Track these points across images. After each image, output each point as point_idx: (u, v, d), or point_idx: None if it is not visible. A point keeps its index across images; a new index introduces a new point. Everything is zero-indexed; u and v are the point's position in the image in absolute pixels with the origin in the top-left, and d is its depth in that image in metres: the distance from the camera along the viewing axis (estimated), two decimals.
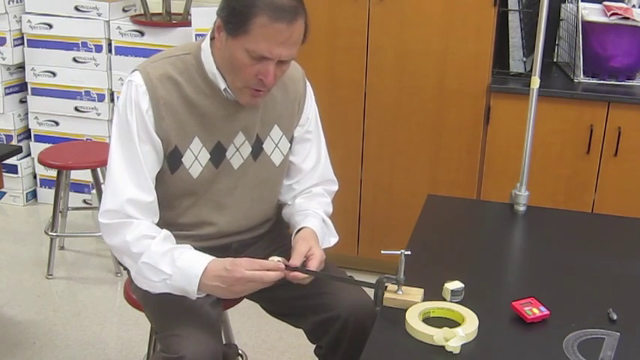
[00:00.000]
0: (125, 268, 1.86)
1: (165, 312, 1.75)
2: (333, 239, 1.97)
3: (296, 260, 1.69)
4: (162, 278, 1.68)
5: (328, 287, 1.84)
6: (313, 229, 1.84)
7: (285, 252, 1.80)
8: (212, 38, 1.74)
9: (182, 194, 1.81)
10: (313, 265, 1.70)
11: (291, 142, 1.91)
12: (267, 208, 1.95)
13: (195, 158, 1.78)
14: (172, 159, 1.76)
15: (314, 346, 1.95)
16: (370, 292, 1.79)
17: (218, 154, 1.80)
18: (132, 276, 1.76)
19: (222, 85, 1.74)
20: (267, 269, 1.64)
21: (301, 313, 1.88)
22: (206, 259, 1.68)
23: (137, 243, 1.69)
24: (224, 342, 2.12)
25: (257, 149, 1.85)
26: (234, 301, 2.02)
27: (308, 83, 1.95)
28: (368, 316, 1.78)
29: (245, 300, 2.03)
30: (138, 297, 1.88)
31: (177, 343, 1.64)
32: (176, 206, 1.83)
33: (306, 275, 1.69)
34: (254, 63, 1.64)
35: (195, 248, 1.75)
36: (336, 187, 2.08)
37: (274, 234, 2.00)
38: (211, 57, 1.73)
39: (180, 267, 1.66)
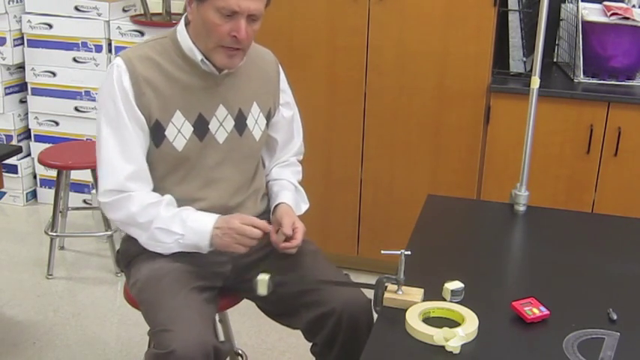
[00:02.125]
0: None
1: (158, 308, 1.76)
2: (304, 206, 2.09)
3: (287, 230, 1.87)
4: (175, 239, 1.82)
5: (320, 284, 1.86)
6: (289, 203, 1.98)
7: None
8: (186, 24, 1.86)
9: (170, 169, 1.88)
10: (299, 236, 1.87)
11: (267, 118, 2.00)
12: (252, 184, 2.01)
13: (179, 131, 1.85)
14: (155, 133, 1.84)
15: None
16: (368, 290, 1.80)
17: (201, 127, 1.88)
18: (142, 242, 1.87)
19: (199, 57, 1.84)
20: (255, 225, 1.79)
21: (296, 311, 1.89)
22: (214, 216, 1.83)
23: (143, 212, 1.81)
24: (220, 340, 2.13)
25: (241, 125, 1.93)
26: (231, 302, 2.03)
27: (280, 67, 2.07)
28: (362, 311, 1.81)
29: (245, 300, 2.04)
30: (133, 294, 1.89)
31: (167, 337, 1.65)
32: (167, 183, 1.89)
33: (293, 245, 1.86)
34: (226, 21, 1.75)
35: None
36: (302, 151, 2.21)
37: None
38: (186, 34, 1.85)
39: (191, 226, 1.81)
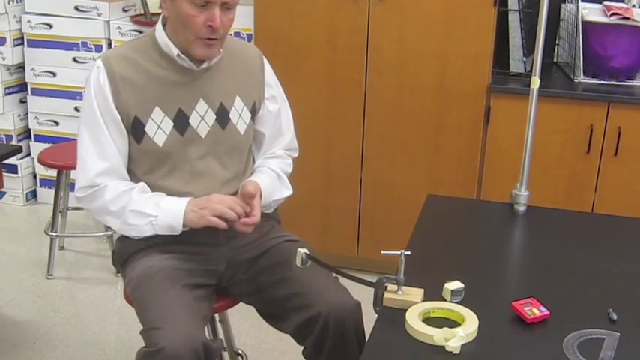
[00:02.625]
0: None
1: (149, 306, 1.77)
2: (286, 192, 2.09)
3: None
4: (148, 221, 1.85)
5: (308, 287, 1.85)
6: (255, 180, 1.96)
7: (277, 248, 1.93)
8: (164, 24, 1.89)
9: (154, 164, 1.90)
10: (256, 213, 1.86)
11: (251, 112, 2.00)
12: (238, 179, 2.00)
13: (159, 127, 1.88)
14: (135, 130, 1.87)
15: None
16: (363, 293, 1.80)
17: (181, 122, 1.89)
18: (117, 229, 1.91)
19: (175, 51, 1.86)
20: (229, 206, 1.83)
21: (285, 314, 1.89)
22: (187, 199, 1.87)
23: (117, 199, 1.86)
24: (219, 337, 2.13)
25: (223, 119, 1.94)
26: (230, 302, 2.03)
27: (265, 61, 2.07)
28: (349, 315, 1.81)
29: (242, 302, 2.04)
30: (128, 293, 1.90)
31: (156, 335, 1.66)
32: (152, 179, 1.91)
33: (251, 222, 1.86)
34: (200, 11, 1.78)
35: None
36: (296, 154, 2.20)
37: (267, 226, 2.02)
38: (163, 31, 1.89)
39: (164, 207, 1.85)
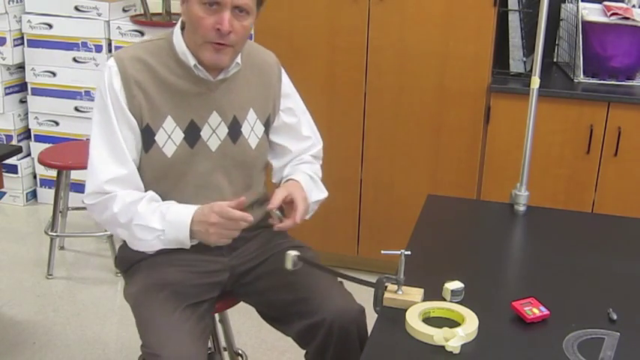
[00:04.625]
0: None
1: (150, 327, 1.74)
2: (322, 194, 2.01)
3: (272, 204, 1.79)
4: (155, 235, 1.76)
5: (312, 293, 1.83)
6: (298, 180, 1.90)
7: (281, 254, 1.80)
8: (183, 28, 1.82)
9: (160, 176, 1.83)
10: (297, 217, 1.78)
11: (265, 125, 1.94)
12: (247, 193, 1.92)
13: (169, 137, 1.81)
14: (145, 138, 1.80)
15: None
16: (363, 293, 1.79)
17: (192, 134, 1.83)
18: (128, 242, 1.83)
19: (193, 62, 1.79)
20: (232, 217, 1.70)
21: (289, 319, 1.87)
22: (192, 208, 1.76)
23: (125, 212, 1.76)
24: (214, 344, 2.12)
25: (235, 132, 1.88)
26: (230, 303, 2.02)
27: (283, 70, 2.00)
28: (353, 322, 1.79)
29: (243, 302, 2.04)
30: (129, 304, 1.86)
31: None
32: (157, 190, 1.83)
33: (286, 226, 1.79)
34: (210, 14, 1.71)
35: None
36: (321, 145, 2.11)
37: (270, 233, 2.00)
38: (181, 37, 1.80)
39: (170, 220, 1.75)
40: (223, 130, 1.86)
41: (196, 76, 1.81)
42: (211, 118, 1.84)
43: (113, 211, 1.76)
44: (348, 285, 1.81)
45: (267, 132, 1.95)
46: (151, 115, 1.78)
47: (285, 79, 1.99)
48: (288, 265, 1.67)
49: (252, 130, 1.91)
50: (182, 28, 1.82)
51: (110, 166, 1.78)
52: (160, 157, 1.81)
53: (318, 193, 1.98)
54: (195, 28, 1.74)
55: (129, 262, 1.92)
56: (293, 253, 1.67)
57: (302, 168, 2.00)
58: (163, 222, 1.75)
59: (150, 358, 1.68)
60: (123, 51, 1.83)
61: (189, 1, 1.73)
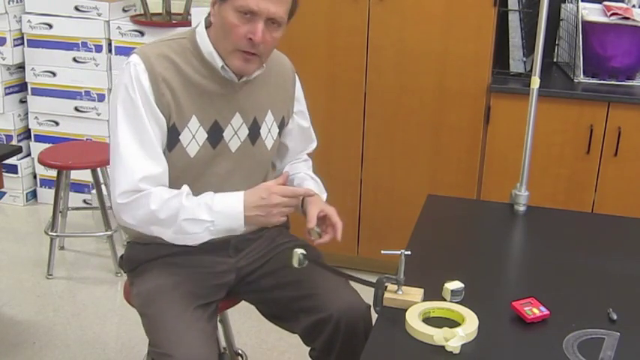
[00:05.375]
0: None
1: (160, 327, 1.73)
2: (324, 195, 2.03)
3: (311, 222, 1.80)
4: (205, 227, 1.74)
5: (320, 289, 1.84)
6: (317, 192, 1.92)
7: (286, 252, 1.84)
8: (207, 27, 1.80)
9: (180, 176, 1.81)
10: (338, 234, 1.81)
11: (279, 127, 1.96)
12: None
13: (193, 137, 1.80)
14: (170, 136, 1.78)
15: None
16: (363, 293, 1.80)
17: (215, 134, 1.82)
18: (168, 238, 1.78)
19: (220, 63, 1.78)
20: (297, 194, 1.77)
21: (294, 316, 1.88)
22: (240, 194, 1.75)
23: (165, 208, 1.73)
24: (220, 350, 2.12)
25: (255, 133, 1.89)
26: (231, 303, 2.02)
27: (296, 74, 2.03)
28: (360, 318, 1.80)
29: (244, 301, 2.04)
30: (136, 305, 1.87)
31: None
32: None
33: (325, 241, 1.82)
34: (244, 22, 1.69)
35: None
36: (314, 145, 2.16)
37: (274, 232, 2.01)
38: (207, 38, 1.79)
39: (220, 210, 1.73)
40: (244, 132, 1.86)
41: (221, 77, 1.80)
42: (234, 119, 1.84)
43: (150, 208, 1.72)
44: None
45: (280, 133, 1.97)
46: (177, 114, 1.77)
47: (298, 82, 2.02)
48: (295, 262, 1.67)
49: (269, 131, 1.92)
50: (207, 26, 1.80)
51: (144, 163, 1.73)
52: (183, 157, 1.80)
53: (322, 196, 2.01)
54: (226, 34, 1.72)
55: (136, 261, 1.91)
56: (299, 250, 1.67)
57: (303, 169, 2.05)
58: (212, 213, 1.73)
59: (160, 358, 1.67)
60: (146, 48, 1.80)
61: (224, 5, 1.71)
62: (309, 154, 2.14)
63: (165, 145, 1.78)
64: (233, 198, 1.75)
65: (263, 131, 1.90)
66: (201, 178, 1.83)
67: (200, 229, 1.74)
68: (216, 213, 1.73)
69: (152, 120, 1.74)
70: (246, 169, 1.89)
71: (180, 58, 1.78)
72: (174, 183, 1.82)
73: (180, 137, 1.78)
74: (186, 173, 1.82)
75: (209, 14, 1.79)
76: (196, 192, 1.82)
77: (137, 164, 1.73)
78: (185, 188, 1.77)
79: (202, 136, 1.80)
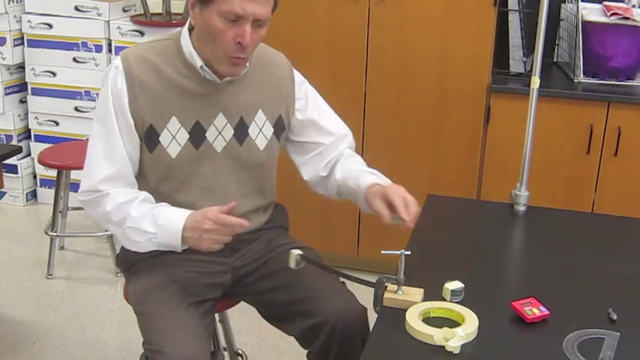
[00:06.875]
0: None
1: (153, 325, 1.74)
2: (383, 181, 1.94)
3: (385, 217, 1.73)
4: (147, 238, 1.77)
5: (315, 293, 1.83)
6: (381, 183, 1.87)
7: (283, 255, 1.82)
8: (190, 29, 1.81)
9: (165, 177, 1.83)
10: (412, 211, 1.71)
11: (275, 126, 1.92)
12: (255, 196, 1.94)
13: (173, 137, 1.81)
14: (149, 138, 1.80)
15: None
16: (363, 294, 1.79)
17: (197, 135, 1.82)
18: (119, 240, 1.85)
19: (199, 63, 1.78)
20: (229, 224, 1.68)
21: (291, 319, 1.87)
22: (185, 212, 1.76)
23: (117, 211, 1.78)
24: (212, 349, 2.11)
25: (242, 133, 1.87)
26: (230, 303, 2.02)
27: (295, 71, 1.99)
28: (356, 322, 1.79)
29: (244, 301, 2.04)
30: (131, 304, 1.87)
31: (161, 358, 1.64)
32: (163, 191, 1.85)
33: (409, 223, 1.69)
34: (230, 26, 1.69)
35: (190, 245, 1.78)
36: (351, 138, 2.09)
37: (272, 234, 2.00)
38: (189, 39, 1.79)
39: (162, 224, 1.76)
40: (229, 132, 1.85)
41: (203, 77, 1.80)
42: (217, 120, 1.83)
43: (106, 209, 1.79)
44: (349, 285, 1.81)
45: (277, 133, 1.93)
46: (155, 115, 1.78)
47: (298, 77, 1.99)
48: (292, 263, 1.67)
49: (260, 131, 1.90)
50: (190, 28, 1.81)
51: (104, 165, 1.80)
52: (165, 158, 1.81)
53: (385, 179, 1.93)
54: (214, 40, 1.71)
55: (131, 261, 1.92)
56: (296, 251, 1.67)
57: (355, 167, 1.99)
58: (155, 225, 1.76)
59: (153, 355, 1.67)
60: (130, 50, 1.83)
61: (207, 10, 1.69)
62: (351, 148, 2.06)
63: (144, 147, 1.81)
64: (178, 215, 1.76)
65: (252, 131, 1.88)
66: (189, 179, 1.84)
67: (143, 239, 1.78)
68: (159, 227, 1.76)
69: (122, 122, 1.78)
70: (236, 169, 1.88)
71: (162, 59, 1.80)
72: (160, 184, 1.84)
73: (160, 138, 1.80)
74: (171, 174, 1.83)
75: (188, 11, 1.79)
76: (184, 193, 1.84)
77: (99, 165, 1.80)
78: (142, 194, 1.81)
79: (184, 136, 1.81)
